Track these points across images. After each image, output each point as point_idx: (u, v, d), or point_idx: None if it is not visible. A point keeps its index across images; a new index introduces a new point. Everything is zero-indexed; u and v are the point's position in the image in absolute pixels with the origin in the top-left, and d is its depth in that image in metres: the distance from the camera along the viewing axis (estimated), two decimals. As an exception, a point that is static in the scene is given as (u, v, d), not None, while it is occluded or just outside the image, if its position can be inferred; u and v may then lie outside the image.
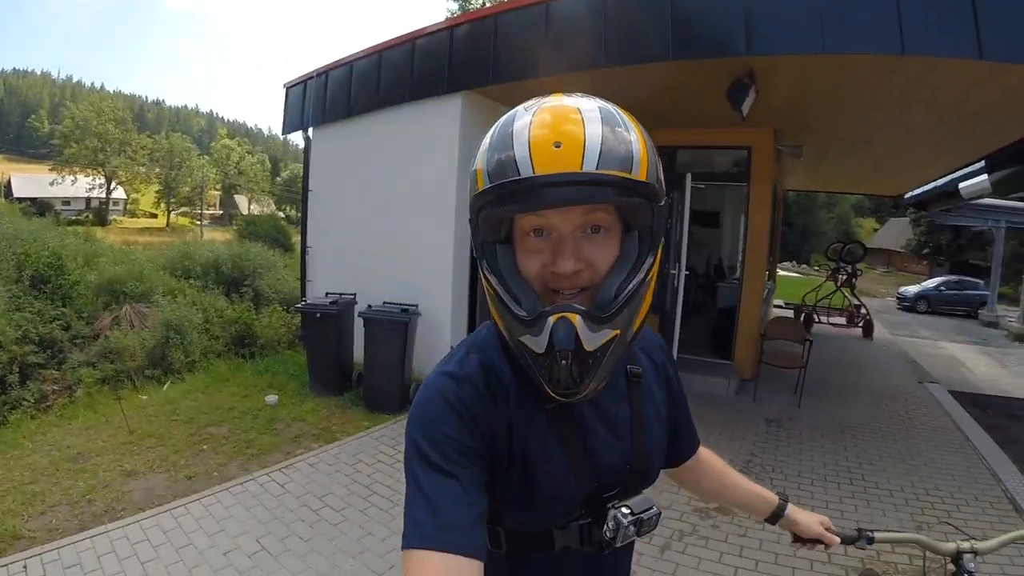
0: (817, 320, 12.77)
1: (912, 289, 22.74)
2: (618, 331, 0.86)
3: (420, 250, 6.32)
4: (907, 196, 14.16)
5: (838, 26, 3.92)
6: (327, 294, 6.30)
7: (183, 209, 56.81)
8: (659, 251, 0.91)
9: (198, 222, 51.75)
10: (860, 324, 12.83)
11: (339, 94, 7.18)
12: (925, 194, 12.73)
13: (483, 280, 0.91)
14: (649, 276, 0.88)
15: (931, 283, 23.14)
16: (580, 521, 1.00)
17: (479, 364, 0.96)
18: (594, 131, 0.80)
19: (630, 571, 1.17)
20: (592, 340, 0.83)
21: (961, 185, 11.15)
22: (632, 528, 0.99)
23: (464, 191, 6.34)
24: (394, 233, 6.53)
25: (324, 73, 7.39)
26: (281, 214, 54.10)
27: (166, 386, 6.38)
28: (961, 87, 4.83)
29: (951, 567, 1.64)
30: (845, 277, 13.40)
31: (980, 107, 5.36)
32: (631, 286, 0.86)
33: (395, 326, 5.64)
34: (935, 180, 11.41)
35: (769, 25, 4.13)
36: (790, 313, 12.51)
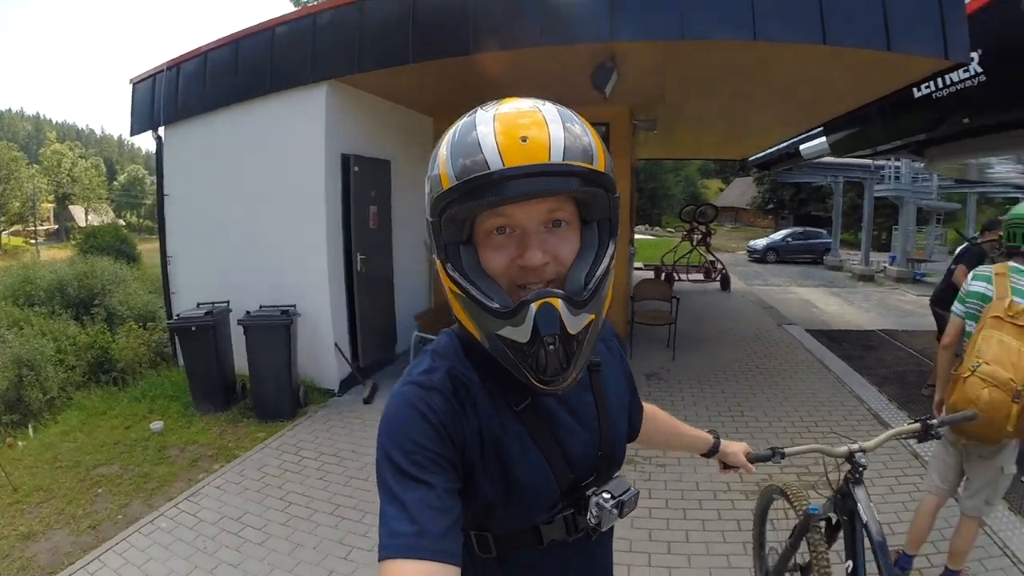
0: (677, 278, 13.47)
1: (761, 242, 24.40)
2: (594, 315, 0.89)
3: (293, 249, 6.05)
4: (751, 159, 15.44)
5: (697, 12, 4.24)
6: (198, 304, 5.85)
7: (15, 228, 50.11)
8: (617, 240, 0.95)
9: (33, 241, 46.49)
10: (717, 278, 13.86)
11: (193, 88, 6.60)
12: (768, 156, 13.97)
13: (447, 283, 0.92)
14: (612, 264, 0.92)
15: (778, 235, 24.91)
16: (563, 513, 1.03)
17: (445, 373, 0.96)
18: (556, 127, 0.84)
19: (612, 548, 1.22)
20: (574, 324, 0.86)
21: (802, 147, 12.34)
22: (615, 511, 1.04)
23: (335, 183, 5.91)
24: (264, 233, 6.18)
25: (175, 66, 6.76)
26: (122, 222, 49.73)
27: (31, 431, 5.73)
28: (805, 67, 5.38)
29: (846, 466, 2.10)
30: (700, 236, 14.37)
31: (821, 83, 5.99)
32: (599, 272, 0.89)
33: (276, 329, 5.41)
34: (778, 144, 12.54)
35: (631, 12, 4.35)
36: (651, 274, 13.07)
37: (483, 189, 0.82)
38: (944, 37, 4.28)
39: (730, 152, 14.85)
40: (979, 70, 5.83)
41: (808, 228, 26.35)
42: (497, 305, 0.86)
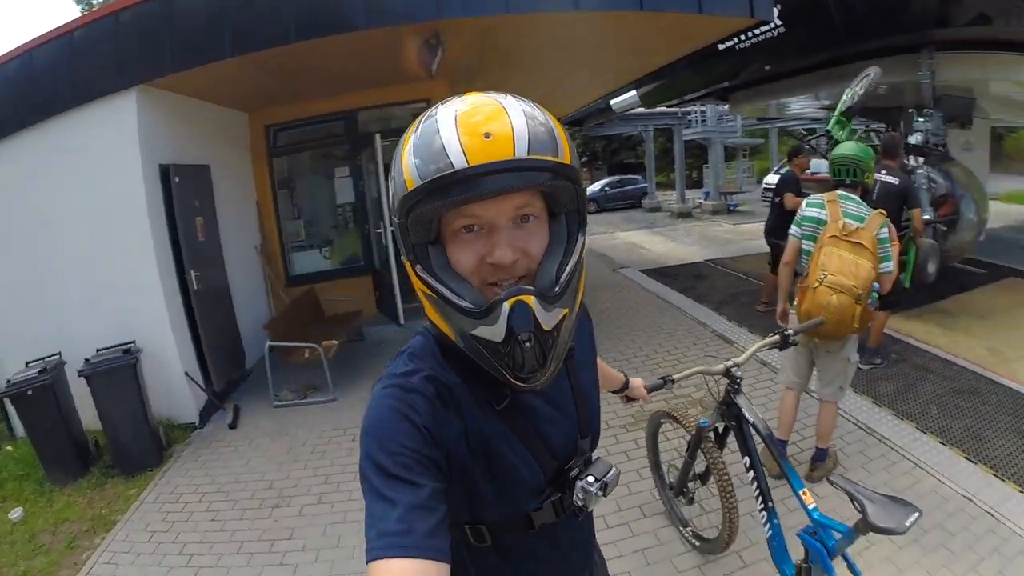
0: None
1: (581, 195, 25.50)
2: (567, 309, 0.90)
3: (122, 279, 5.18)
4: (565, 118, 15.83)
5: None
6: (28, 364, 4.85)
7: None
8: (586, 231, 0.95)
9: None
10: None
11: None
12: (580, 113, 14.36)
13: (418, 284, 0.91)
14: (582, 255, 0.92)
15: (596, 186, 25.64)
16: (551, 498, 1.07)
17: (425, 376, 0.95)
18: (519, 121, 0.82)
19: (592, 518, 1.29)
20: (548, 319, 0.86)
21: (613, 101, 12.79)
22: (600, 493, 1.08)
23: (156, 198, 5.33)
24: (86, 267, 5.21)
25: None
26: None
27: None
28: (622, 30, 5.58)
29: (724, 380, 2.52)
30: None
31: (636, 43, 6.28)
32: (570, 266, 0.89)
33: (122, 372, 4.70)
34: (592, 102, 12.91)
35: None
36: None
37: (448, 188, 0.80)
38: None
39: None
40: (779, 23, 6.30)
41: (623, 176, 27.72)
42: (469, 305, 0.85)
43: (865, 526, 1.90)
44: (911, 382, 5.30)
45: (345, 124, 7.58)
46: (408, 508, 0.80)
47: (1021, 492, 3.65)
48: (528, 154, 0.80)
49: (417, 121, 0.87)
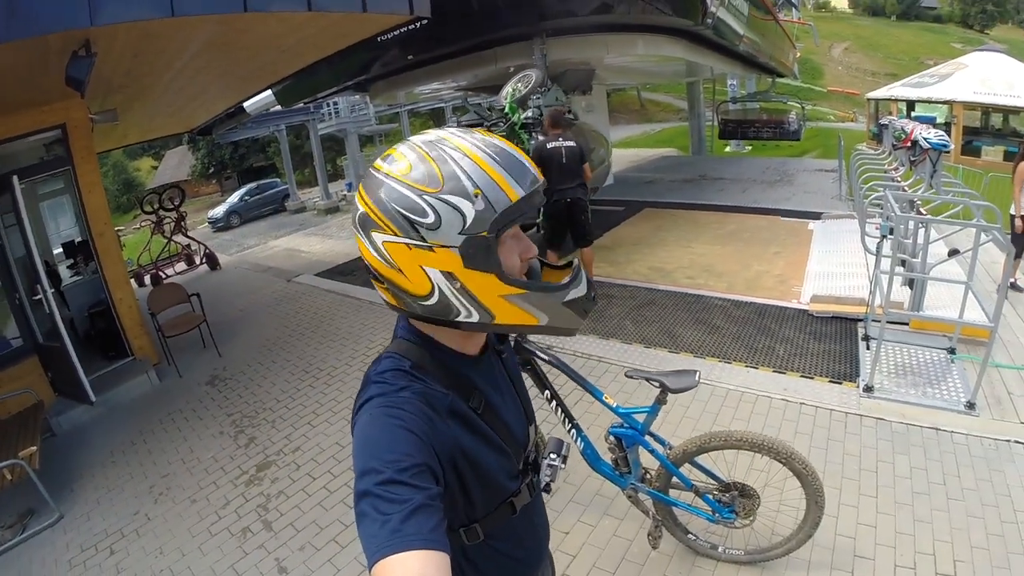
0: (166, 276, 12.18)
1: (220, 209, 23.33)
2: None
3: None
4: (194, 128, 14.42)
5: None
6: None
7: None
8: None
9: None
10: (203, 261, 12.95)
11: None
12: (211, 120, 13.21)
13: (500, 291, 1.00)
14: None
15: (235, 197, 24.05)
16: (525, 481, 1.25)
17: (415, 389, 1.02)
18: None
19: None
20: None
21: (247, 104, 12.01)
22: (563, 465, 1.39)
23: None
24: None
25: None
26: None
27: None
28: (281, 32, 5.27)
29: None
30: (173, 223, 13.03)
31: (292, 44, 5.93)
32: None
33: None
34: (228, 109, 11.97)
35: None
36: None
37: (536, 196, 0.99)
38: None
39: (180, 126, 13.56)
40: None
41: (261, 182, 26.24)
42: (563, 281, 1.06)
43: (665, 394, 2.56)
44: (600, 309, 6.36)
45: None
46: (411, 509, 0.83)
47: (720, 361, 4.82)
48: None
49: (463, 149, 0.98)
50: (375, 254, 1.02)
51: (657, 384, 2.56)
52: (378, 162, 1.02)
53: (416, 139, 1.01)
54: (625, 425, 2.72)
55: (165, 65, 5.64)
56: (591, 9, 7.25)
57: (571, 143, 6.12)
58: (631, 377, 2.71)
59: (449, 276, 0.97)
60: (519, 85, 7.21)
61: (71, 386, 5.69)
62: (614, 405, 2.73)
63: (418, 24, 6.89)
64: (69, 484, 4.64)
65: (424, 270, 0.98)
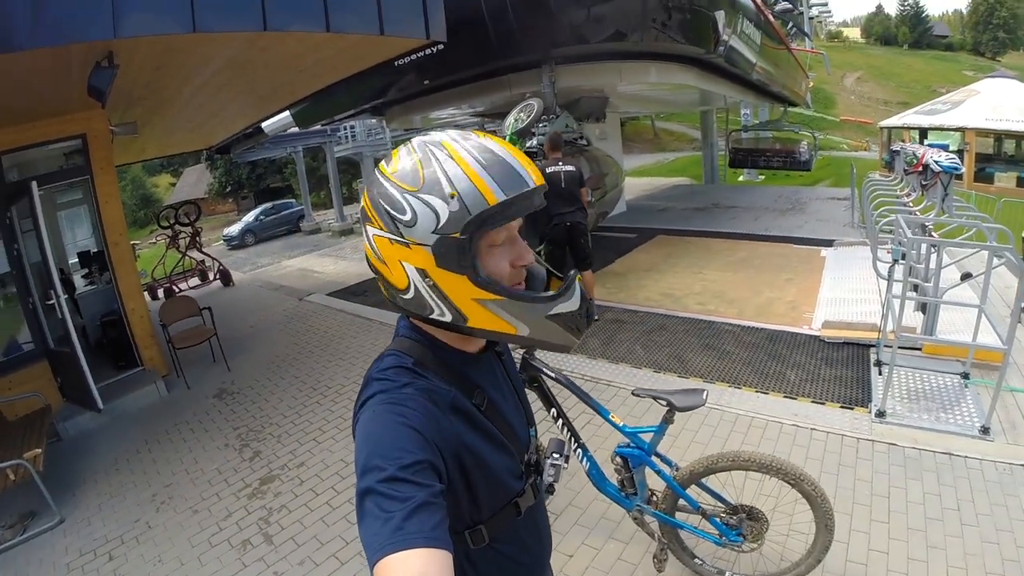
0: (179, 290, 12.28)
1: (235, 227, 23.52)
2: None
3: None
4: (213, 146, 14.63)
5: (207, 4, 3.75)
6: None
7: None
8: None
9: None
10: (217, 277, 13.06)
11: None
12: (230, 139, 13.41)
13: (480, 294, 1.00)
14: None
15: (250, 216, 24.27)
16: (529, 482, 1.23)
17: (419, 387, 1.02)
18: None
19: None
20: None
21: (265, 124, 12.18)
22: (566, 465, 1.36)
23: None
24: None
25: None
26: None
27: None
28: (301, 53, 5.38)
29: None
30: (189, 238, 13.18)
31: (312, 65, 6.05)
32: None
33: None
34: (247, 128, 12.15)
35: (138, 4, 3.54)
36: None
37: (523, 201, 0.97)
38: (426, 20, 4.87)
39: (198, 143, 13.75)
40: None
41: (276, 202, 26.48)
42: (549, 293, 1.05)
43: (672, 413, 2.56)
44: (611, 334, 6.34)
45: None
46: (415, 507, 0.83)
47: (730, 387, 4.77)
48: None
49: (449, 149, 0.99)
50: (368, 245, 1.06)
51: (664, 403, 2.55)
52: (383, 160, 1.07)
53: (416, 139, 1.04)
54: (631, 445, 2.69)
55: (185, 80, 5.74)
56: (604, 36, 7.32)
57: (570, 167, 6.17)
58: (638, 395, 2.68)
59: (423, 273, 1.00)
60: (521, 115, 7.29)
61: (80, 392, 5.71)
62: (620, 424, 2.71)
63: (434, 49, 7.01)
64: (72, 488, 4.64)
65: (402, 265, 1.01)
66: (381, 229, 1.01)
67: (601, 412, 2.72)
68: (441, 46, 6.74)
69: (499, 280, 1.02)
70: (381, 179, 1.02)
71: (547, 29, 7.16)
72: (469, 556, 1.11)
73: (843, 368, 5.14)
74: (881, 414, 4.22)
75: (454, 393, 1.06)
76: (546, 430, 2.84)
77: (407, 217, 0.97)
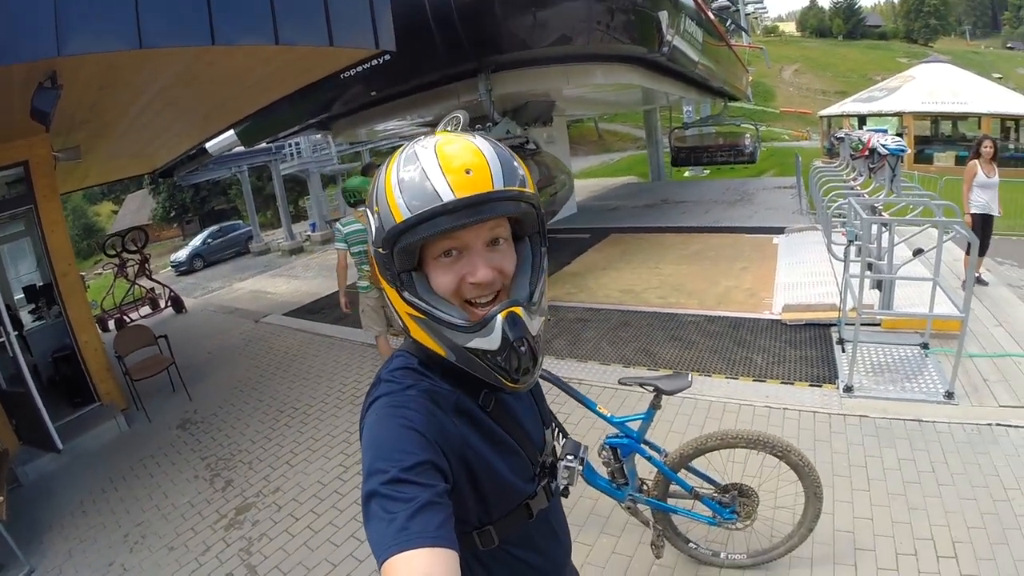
0: (131, 320, 11.88)
1: (183, 252, 22.74)
2: (544, 317, 1.05)
3: None
4: (156, 170, 14.19)
5: (152, 17, 3.62)
6: None
7: None
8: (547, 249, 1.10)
9: None
10: (168, 304, 12.64)
11: None
12: (173, 161, 13.03)
13: (404, 308, 1.00)
14: (545, 269, 1.08)
15: (197, 240, 23.52)
16: (541, 484, 1.20)
17: (421, 388, 1.02)
18: (493, 158, 0.96)
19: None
20: (534, 326, 1.00)
21: (209, 144, 11.88)
22: (580, 467, 1.32)
23: None
24: None
25: None
26: None
27: None
28: (249, 66, 5.25)
29: None
30: (137, 266, 12.73)
31: (259, 79, 5.92)
32: (541, 281, 1.05)
33: None
34: (189, 149, 11.82)
35: (79, 19, 3.37)
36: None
37: (438, 219, 0.92)
38: (375, 30, 4.84)
39: (142, 167, 13.29)
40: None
41: (223, 224, 25.79)
42: (462, 321, 0.97)
43: (659, 398, 2.61)
44: (576, 333, 6.39)
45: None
46: (418, 507, 0.83)
47: (700, 375, 4.86)
48: (504, 186, 0.94)
49: (394, 159, 0.98)
50: None
51: (651, 388, 2.58)
52: None
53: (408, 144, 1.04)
54: (620, 434, 2.70)
55: (130, 99, 5.55)
56: (551, 41, 7.37)
57: None
58: (625, 384, 2.71)
59: (378, 277, 1.04)
60: (448, 128, 7.25)
61: (37, 433, 5.45)
62: (608, 415, 2.72)
63: (381, 60, 6.95)
64: (38, 536, 4.39)
65: None
66: None
67: (587, 404, 2.72)
68: (387, 57, 6.73)
69: (445, 295, 0.99)
70: None
71: (493, 35, 7.17)
72: (479, 557, 1.10)
73: (807, 349, 5.28)
74: (849, 389, 4.37)
75: (458, 395, 1.05)
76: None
77: (368, 225, 1.02)
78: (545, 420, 1.31)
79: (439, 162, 0.93)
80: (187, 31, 3.85)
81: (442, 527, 0.83)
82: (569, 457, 1.33)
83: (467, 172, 0.92)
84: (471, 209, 0.92)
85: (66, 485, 5.14)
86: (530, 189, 1.00)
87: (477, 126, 8.60)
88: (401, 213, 0.93)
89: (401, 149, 1.00)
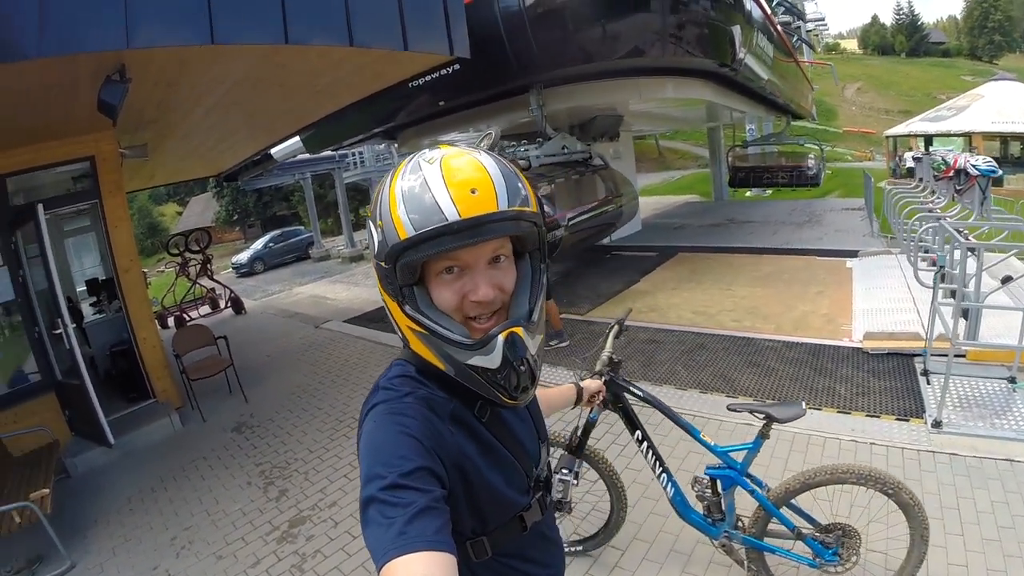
0: (190, 319, 12.12)
1: (244, 255, 23.36)
2: (542, 334, 1.06)
3: None
4: (221, 173, 14.56)
5: (224, 14, 3.60)
6: None
7: None
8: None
9: None
10: (228, 305, 12.90)
11: None
12: (238, 165, 13.33)
13: (405, 322, 1.01)
14: (544, 286, 1.09)
15: (259, 244, 24.13)
16: (536, 497, 1.20)
17: (419, 396, 1.02)
18: (498, 177, 0.96)
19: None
20: (533, 346, 1.02)
21: (274, 150, 12.09)
22: (575, 481, 1.42)
23: None
24: None
25: None
26: None
27: None
28: (321, 69, 5.23)
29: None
30: (199, 265, 13.03)
31: (327, 85, 5.91)
32: (540, 299, 1.06)
33: None
34: (255, 154, 12.06)
35: (150, 9, 3.36)
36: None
37: (442, 238, 0.92)
38: (449, 36, 4.78)
39: (207, 170, 13.68)
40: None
41: (285, 229, 26.48)
42: (465, 339, 0.98)
43: (769, 427, 2.45)
44: (649, 355, 6.12)
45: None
46: (416, 511, 0.83)
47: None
48: (508, 206, 0.95)
49: (398, 172, 0.99)
50: None
51: (762, 416, 2.42)
52: None
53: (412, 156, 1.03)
54: (722, 465, 2.53)
55: (198, 98, 5.59)
56: (623, 53, 7.19)
57: None
58: (734, 410, 2.57)
59: (380, 290, 1.04)
60: (481, 144, 7.23)
61: (89, 426, 5.44)
62: (712, 444, 2.56)
63: (450, 69, 6.89)
64: (83, 531, 4.35)
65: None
66: None
67: (691, 431, 2.58)
68: (458, 66, 6.64)
69: (447, 311, 1.00)
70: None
71: (564, 47, 7.03)
72: (473, 569, 1.09)
73: (891, 379, 4.93)
74: (938, 424, 4.03)
75: (454, 404, 1.06)
76: (634, 453, 2.87)
77: (371, 236, 1.01)
78: (541, 434, 1.30)
79: (444, 180, 0.93)
80: (260, 28, 3.83)
81: (440, 531, 0.84)
82: (564, 471, 1.44)
83: (472, 192, 0.93)
84: (475, 229, 0.93)
85: (115, 481, 5.13)
86: (532, 208, 1.00)
87: (537, 140, 8.50)
88: (405, 230, 0.93)
89: (405, 161, 1.00)
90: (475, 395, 1.05)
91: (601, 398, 2.09)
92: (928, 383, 4.66)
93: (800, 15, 19.16)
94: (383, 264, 0.98)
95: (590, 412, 2.64)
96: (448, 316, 0.99)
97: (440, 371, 1.03)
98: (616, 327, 2.71)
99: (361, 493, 0.89)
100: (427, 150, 1.00)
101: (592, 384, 1.99)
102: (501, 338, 0.97)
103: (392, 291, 1.00)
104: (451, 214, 0.91)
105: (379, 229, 0.97)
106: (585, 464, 2.74)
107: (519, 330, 0.99)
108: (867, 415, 4.39)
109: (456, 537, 0.92)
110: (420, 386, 1.05)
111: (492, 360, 0.98)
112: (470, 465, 1.03)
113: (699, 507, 2.61)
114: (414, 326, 1.00)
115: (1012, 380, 4.45)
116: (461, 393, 1.05)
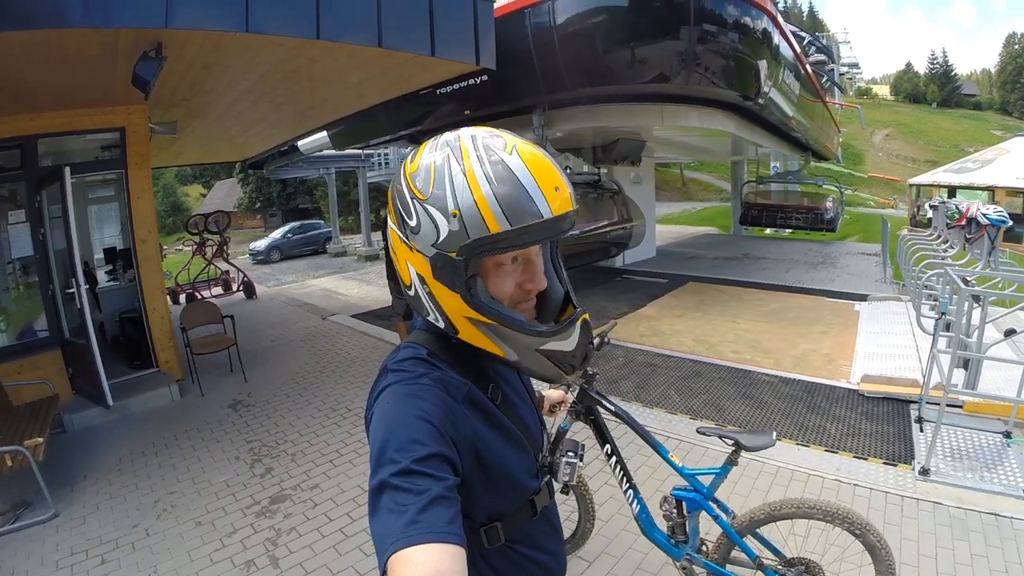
0: (202, 297, 12.14)
1: (262, 243, 23.71)
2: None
3: None
4: (249, 159, 14.78)
5: (260, 5, 3.75)
6: None
7: None
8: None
9: None
10: (240, 288, 13.06)
11: None
12: (265, 154, 13.53)
13: (472, 314, 1.00)
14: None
15: (278, 233, 24.45)
16: (543, 480, 1.24)
17: (434, 378, 1.02)
18: (566, 175, 1.00)
19: None
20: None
21: (301, 143, 12.27)
22: (581, 463, 1.36)
23: None
24: None
25: None
26: None
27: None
28: (349, 67, 5.34)
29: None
30: (216, 247, 13.22)
31: (355, 83, 6.06)
32: (566, 278, 1.16)
33: None
34: (281, 144, 12.24)
35: None
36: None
37: (534, 232, 0.94)
38: (476, 47, 4.90)
39: (234, 154, 13.90)
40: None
41: (305, 222, 26.73)
42: (544, 328, 1.03)
43: (738, 453, 2.45)
44: (644, 377, 6.14)
45: (20, 155, 5.77)
46: (428, 500, 0.82)
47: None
48: (575, 203, 1.00)
49: (467, 159, 0.95)
50: (388, 235, 1.10)
51: (731, 441, 2.41)
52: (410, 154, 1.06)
53: (443, 137, 1.02)
54: (689, 488, 2.52)
55: (230, 83, 5.74)
56: (649, 77, 7.27)
57: None
58: (704, 433, 2.54)
59: (421, 279, 1.03)
60: None
61: (90, 386, 5.58)
62: (680, 465, 2.55)
63: (478, 80, 7.00)
64: (70, 483, 4.48)
65: (407, 264, 1.04)
66: (395, 224, 1.04)
67: (660, 450, 2.56)
68: (485, 77, 6.75)
69: (501, 299, 1.02)
70: (401, 175, 1.01)
71: (592, 66, 7.13)
72: (486, 557, 1.09)
73: (884, 423, 4.92)
74: (925, 472, 4.02)
75: (469, 386, 1.06)
76: (599, 469, 3.21)
77: (413, 223, 0.98)
78: (541, 419, 1.35)
79: (533, 176, 0.94)
80: (293, 21, 3.95)
81: (452, 522, 0.83)
82: (570, 454, 1.35)
83: (556, 189, 0.96)
84: (560, 225, 0.96)
85: (109, 441, 5.24)
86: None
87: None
88: (498, 223, 0.93)
89: (466, 143, 0.98)
90: (487, 377, 1.12)
91: (564, 409, 2.08)
92: (922, 430, 4.67)
93: (832, 57, 19.13)
94: (454, 255, 0.96)
95: (562, 422, 2.65)
96: (508, 307, 1.03)
97: (453, 353, 1.07)
98: (596, 339, 2.73)
99: (371, 477, 0.88)
100: (479, 131, 1.01)
101: (554, 394, 1.99)
102: (578, 324, 1.05)
103: (457, 283, 0.98)
104: (546, 212, 0.93)
105: (452, 219, 0.94)
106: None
107: (586, 315, 1.08)
108: (854, 456, 4.38)
109: (470, 523, 0.96)
110: (433, 368, 1.04)
111: (570, 343, 1.04)
112: (486, 448, 1.03)
113: (664, 527, 2.60)
114: (476, 316, 0.99)
115: (1008, 435, 4.44)
116: (473, 375, 1.08)
